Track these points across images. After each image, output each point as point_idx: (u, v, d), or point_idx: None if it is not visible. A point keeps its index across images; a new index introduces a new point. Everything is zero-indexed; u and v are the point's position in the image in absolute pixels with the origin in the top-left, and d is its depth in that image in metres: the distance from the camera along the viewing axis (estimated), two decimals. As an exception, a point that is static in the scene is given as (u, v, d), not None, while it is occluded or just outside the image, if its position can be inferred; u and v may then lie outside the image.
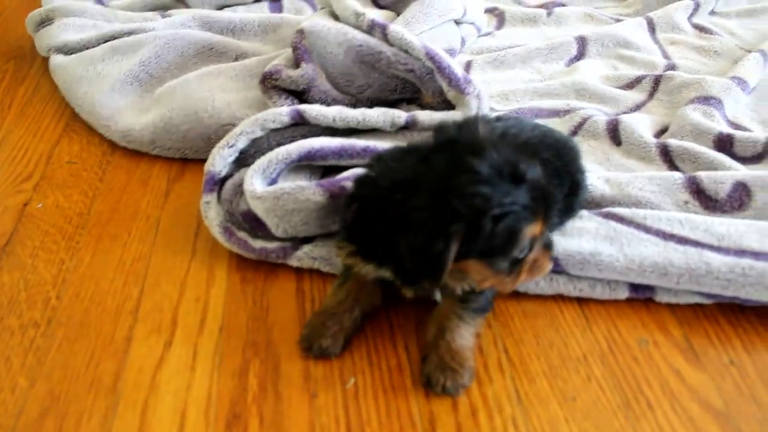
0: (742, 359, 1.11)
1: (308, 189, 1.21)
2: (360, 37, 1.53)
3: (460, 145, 0.97)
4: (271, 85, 1.48)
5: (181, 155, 1.57)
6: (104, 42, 1.85)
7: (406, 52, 1.50)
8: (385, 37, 1.53)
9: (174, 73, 1.75)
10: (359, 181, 1.09)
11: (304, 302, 1.21)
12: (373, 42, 1.52)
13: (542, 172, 0.97)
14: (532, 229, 0.94)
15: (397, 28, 1.53)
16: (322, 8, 1.70)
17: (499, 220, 0.90)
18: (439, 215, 0.90)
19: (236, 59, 1.81)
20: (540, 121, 1.59)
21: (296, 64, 1.50)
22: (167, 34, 1.80)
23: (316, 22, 1.55)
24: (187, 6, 2.13)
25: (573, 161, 1.25)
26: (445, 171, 0.93)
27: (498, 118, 1.34)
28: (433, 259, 0.91)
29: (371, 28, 1.54)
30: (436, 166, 0.95)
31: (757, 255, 1.16)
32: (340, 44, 1.52)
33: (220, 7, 2.16)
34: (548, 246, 1.02)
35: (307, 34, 1.51)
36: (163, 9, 2.12)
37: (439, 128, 1.19)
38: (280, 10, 2.18)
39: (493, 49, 1.96)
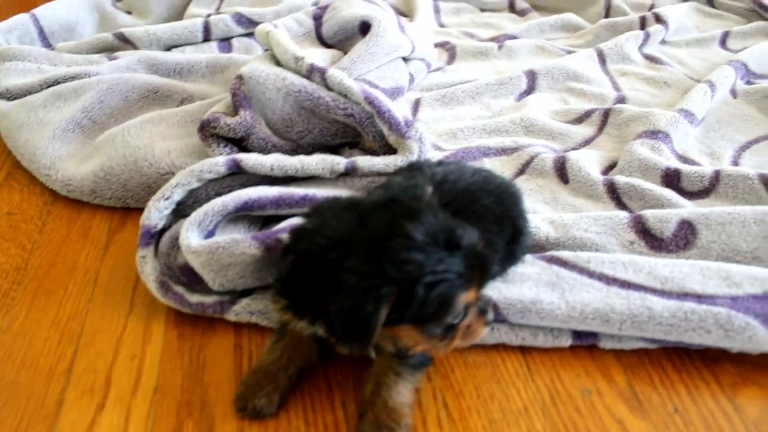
0: (687, 406, 1.09)
1: (243, 242, 1.18)
2: (298, 82, 1.51)
3: (399, 206, 0.96)
4: (210, 133, 1.46)
5: (123, 204, 1.54)
6: (47, 87, 1.81)
7: (345, 96, 1.48)
8: (324, 81, 1.51)
9: (118, 118, 1.72)
10: (296, 232, 1.06)
11: (241, 358, 1.18)
12: (312, 87, 1.50)
13: (479, 237, 0.96)
14: (466, 297, 0.94)
15: (336, 72, 1.51)
16: (267, 50, 1.68)
17: (432, 287, 0.89)
18: (371, 279, 0.89)
19: (182, 102, 1.78)
20: (488, 160, 1.59)
21: (235, 111, 1.47)
22: (111, 79, 1.77)
23: (255, 67, 1.52)
24: (135, 47, 2.10)
25: (514, 207, 1.23)
26: (381, 234, 0.92)
27: (439, 163, 1.32)
28: (362, 322, 0.89)
29: (310, 73, 1.53)
30: (372, 227, 0.94)
31: (699, 298, 1.15)
32: (278, 90, 1.49)
33: (169, 48, 2.14)
34: (483, 311, 1.01)
35: (246, 79, 1.49)
36: (110, 51, 2.08)
37: (387, 184, 1.18)
38: (229, 49, 2.15)
39: (443, 86, 1.95)
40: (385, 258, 0.89)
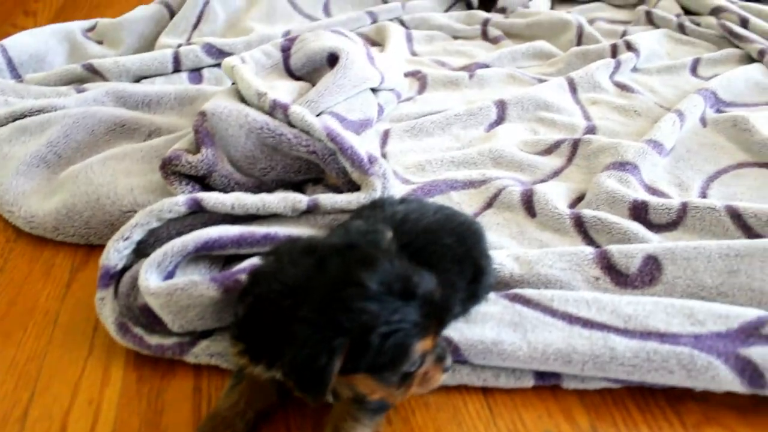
0: (649, 448, 1.08)
1: (202, 284, 1.16)
2: (261, 119, 1.49)
3: (355, 253, 0.95)
4: (172, 171, 1.45)
5: (86, 241, 1.52)
6: (13, 120, 1.79)
7: (307, 133, 1.47)
8: (286, 118, 1.49)
9: (84, 152, 1.70)
10: (254, 275, 1.05)
11: (200, 402, 1.16)
12: (274, 124, 1.48)
13: (436, 284, 0.95)
14: (422, 345, 0.93)
15: (298, 109, 1.50)
16: (233, 84, 1.67)
17: (387, 337, 0.88)
18: (324, 329, 0.87)
19: (150, 135, 1.77)
20: (455, 194, 1.59)
21: (197, 148, 1.46)
22: (77, 112, 1.75)
23: (218, 104, 1.51)
24: (104, 78, 2.09)
25: (476, 246, 1.22)
26: (335, 282, 0.91)
27: (401, 201, 1.31)
28: (316, 374, 0.87)
29: (273, 109, 1.51)
30: (328, 274, 0.92)
31: (662, 337, 1.14)
32: (241, 126, 1.48)
33: (138, 79, 2.12)
34: (441, 358, 1.00)
35: (208, 116, 1.48)
36: (79, 82, 2.08)
37: (347, 227, 1.17)
38: (199, 80, 2.15)
39: (413, 116, 1.94)
40: (338, 308, 0.88)
